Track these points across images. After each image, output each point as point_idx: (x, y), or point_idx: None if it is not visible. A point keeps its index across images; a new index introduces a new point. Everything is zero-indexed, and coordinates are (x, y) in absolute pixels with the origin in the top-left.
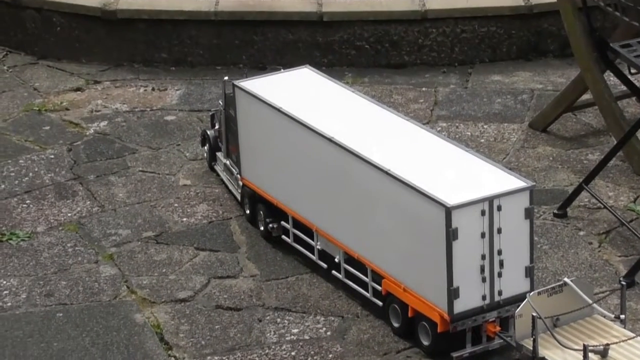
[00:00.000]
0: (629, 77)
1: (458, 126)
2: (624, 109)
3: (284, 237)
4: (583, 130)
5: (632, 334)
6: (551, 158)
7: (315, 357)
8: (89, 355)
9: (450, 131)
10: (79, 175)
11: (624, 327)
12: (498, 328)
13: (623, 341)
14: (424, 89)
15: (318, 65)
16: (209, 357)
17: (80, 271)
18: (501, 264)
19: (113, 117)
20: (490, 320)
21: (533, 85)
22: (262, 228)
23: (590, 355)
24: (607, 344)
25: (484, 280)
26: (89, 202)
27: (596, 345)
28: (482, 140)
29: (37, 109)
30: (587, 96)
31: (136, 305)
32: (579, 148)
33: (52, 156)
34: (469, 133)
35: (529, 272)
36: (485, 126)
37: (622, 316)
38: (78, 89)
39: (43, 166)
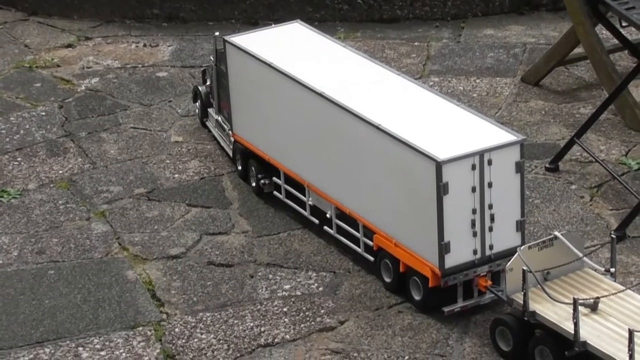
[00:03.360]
0: (621, 30)
1: (450, 81)
2: (616, 62)
3: (275, 193)
4: (575, 84)
5: (622, 287)
6: (543, 112)
7: (307, 313)
8: (81, 312)
9: (443, 86)
10: (70, 132)
11: (614, 281)
12: (489, 282)
13: (613, 294)
14: (416, 43)
15: (310, 20)
16: (200, 314)
17: (71, 228)
18: (492, 218)
19: (104, 74)
20: (482, 274)
21: (525, 39)
22: (253, 184)
23: (581, 308)
24: (598, 297)
25: (474, 234)
26: (80, 159)
27: (586, 299)
28: (475, 95)
29: (28, 65)
30: (579, 50)
31: (128, 262)
32: (571, 102)
33: (44, 113)
34: (462, 87)
35: (520, 226)
36: (477, 80)
37: (613, 269)
38: (69, 46)
39: (34, 123)
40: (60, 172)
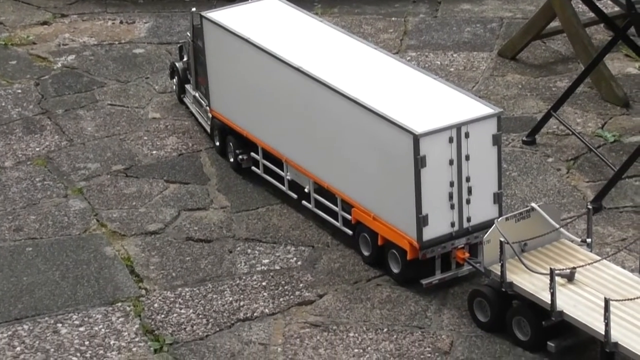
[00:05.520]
0: (596, 3)
1: (427, 55)
2: (592, 36)
3: (253, 168)
4: (552, 58)
5: (598, 257)
6: (520, 86)
7: (286, 287)
8: (59, 288)
9: (420, 60)
10: (47, 109)
11: (591, 251)
12: (467, 254)
13: (589, 264)
14: (393, 18)
15: None
16: (179, 289)
17: (49, 205)
18: (469, 191)
19: (81, 51)
20: (459, 246)
21: (502, 13)
22: (232, 160)
23: (557, 279)
24: (574, 268)
25: (452, 207)
26: (57, 137)
27: (563, 269)
28: (452, 69)
29: (4, 43)
30: (555, 23)
31: (106, 239)
32: (548, 75)
33: (20, 91)
34: (439, 62)
35: (497, 198)
36: (454, 55)
37: (589, 240)
38: (45, 23)
39: (10, 101)
40: (37, 149)
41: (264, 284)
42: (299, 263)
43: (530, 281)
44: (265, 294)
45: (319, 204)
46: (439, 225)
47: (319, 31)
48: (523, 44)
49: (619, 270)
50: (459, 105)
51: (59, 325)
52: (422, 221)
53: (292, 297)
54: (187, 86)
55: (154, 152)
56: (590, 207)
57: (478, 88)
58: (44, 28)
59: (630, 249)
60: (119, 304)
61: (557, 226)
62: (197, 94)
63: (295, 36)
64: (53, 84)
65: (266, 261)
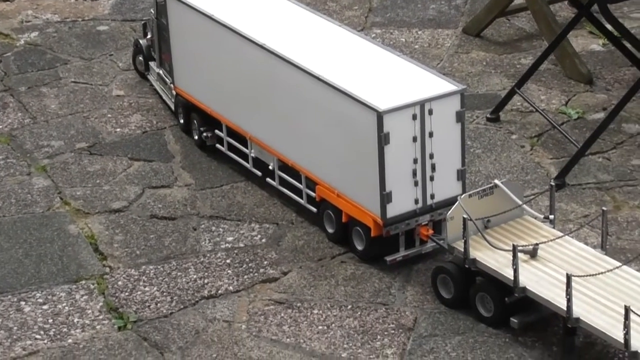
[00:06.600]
0: None
1: (392, 32)
2: (556, 13)
3: (218, 145)
4: (516, 35)
5: (561, 234)
6: (484, 63)
7: (250, 264)
8: (23, 266)
9: (385, 38)
10: (9, 86)
11: (553, 227)
12: (431, 231)
13: (551, 241)
14: None
15: None
16: (144, 267)
17: (12, 183)
18: (433, 168)
19: (44, 28)
20: (423, 223)
21: None
22: (196, 137)
23: (520, 255)
24: (537, 244)
25: (416, 184)
26: (20, 114)
27: (525, 246)
28: (417, 47)
29: None
30: (520, 0)
31: (70, 217)
32: (512, 52)
33: None
34: (404, 39)
35: (461, 175)
36: (419, 32)
37: (552, 216)
38: None
39: None
40: (0, 127)
41: (228, 261)
42: (263, 240)
43: (493, 258)
44: (229, 271)
45: (283, 182)
46: (402, 202)
47: (283, 8)
48: (487, 21)
49: (581, 246)
50: (422, 83)
51: (23, 303)
52: (385, 198)
53: (256, 274)
54: (152, 63)
55: (118, 129)
56: (553, 183)
57: (443, 65)
58: (6, 5)
59: (593, 225)
60: (83, 281)
61: (520, 203)
62: (161, 71)
63: (259, 13)
64: (16, 61)
65: (230, 239)
